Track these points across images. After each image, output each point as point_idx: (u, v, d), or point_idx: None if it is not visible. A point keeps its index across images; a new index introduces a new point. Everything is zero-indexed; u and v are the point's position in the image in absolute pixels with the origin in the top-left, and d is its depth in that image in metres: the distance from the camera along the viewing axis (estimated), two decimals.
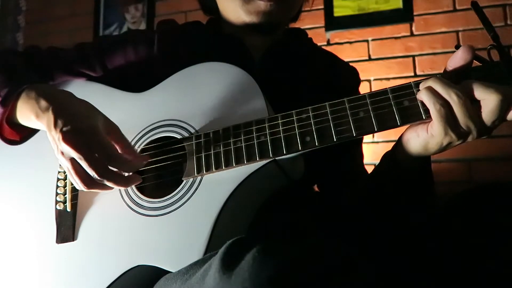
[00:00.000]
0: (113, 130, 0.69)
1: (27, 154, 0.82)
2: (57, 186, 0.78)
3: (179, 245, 0.65)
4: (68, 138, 0.63)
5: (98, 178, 0.64)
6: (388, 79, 2.00)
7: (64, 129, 0.64)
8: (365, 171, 0.96)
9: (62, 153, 0.65)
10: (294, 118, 0.66)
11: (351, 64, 1.02)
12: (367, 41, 2.05)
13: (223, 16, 0.91)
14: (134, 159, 0.70)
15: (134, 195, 0.73)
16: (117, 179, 0.67)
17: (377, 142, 1.96)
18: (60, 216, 0.75)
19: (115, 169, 0.66)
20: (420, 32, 1.99)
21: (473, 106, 0.57)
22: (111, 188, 0.68)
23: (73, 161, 0.65)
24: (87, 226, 0.74)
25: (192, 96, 0.76)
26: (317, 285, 0.44)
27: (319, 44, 1.16)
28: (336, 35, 2.10)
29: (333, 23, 2.10)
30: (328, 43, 2.11)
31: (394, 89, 0.62)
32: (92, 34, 2.51)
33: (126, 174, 0.70)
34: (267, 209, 0.71)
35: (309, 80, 0.90)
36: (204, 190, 0.68)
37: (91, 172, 0.64)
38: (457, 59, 0.61)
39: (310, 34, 1.00)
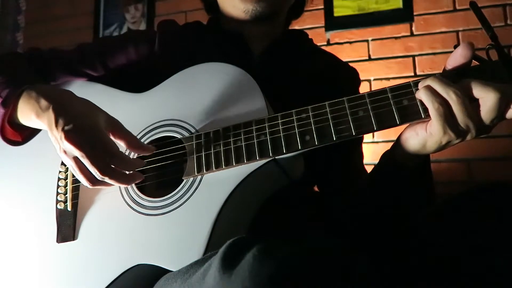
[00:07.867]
0: (116, 126, 0.69)
1: (28, 153, 0.82)
2: (58, 186, 0.78)
3: (179, 244, 0.65)
4: (70, 137, 0.64)
5: (100, 176, 0.65)
6: (388, 79, 2.00)
7: (66, 128, 0.64)
8: (365, 171, 0.96)
9: (65, 152, 0.65)
10: (294, 117, 0.66)
11: (351, 64, 1.02)
12: (367, 41, 2.05)
13: (222, 10, 0.91)
14: (141, 151, 0.70)
15: (134, 194, 0.73)
16: (119, 177, 0.67)
17: (377, 142, 1.95)
18: (61, 215, 0.76)
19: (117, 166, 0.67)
20: (420, 32, 1.98)
21: (471, 104, 0.57)
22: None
23: (76, 159, 0.65)
24: (87, 225, 0.74)
25: (193, 96, 0.76)
26: (317, 284, 0.44)
27: (319, 44, 1.16)
28: (336, 35, 2.10)
29: (333, 23, 2.10)
30: (328, 43, 2.11)
31: (393, 89, 0.63)
32: (92, 34, 2.51)
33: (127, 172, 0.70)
34: (267, 209, 0.72)
35: (309, 80, 0.90)
36: (204, 189, 0.68)
37: (93, 170, 0.64)
38: (457, 57, 0.61)
39: (310, 34, 1.00)
